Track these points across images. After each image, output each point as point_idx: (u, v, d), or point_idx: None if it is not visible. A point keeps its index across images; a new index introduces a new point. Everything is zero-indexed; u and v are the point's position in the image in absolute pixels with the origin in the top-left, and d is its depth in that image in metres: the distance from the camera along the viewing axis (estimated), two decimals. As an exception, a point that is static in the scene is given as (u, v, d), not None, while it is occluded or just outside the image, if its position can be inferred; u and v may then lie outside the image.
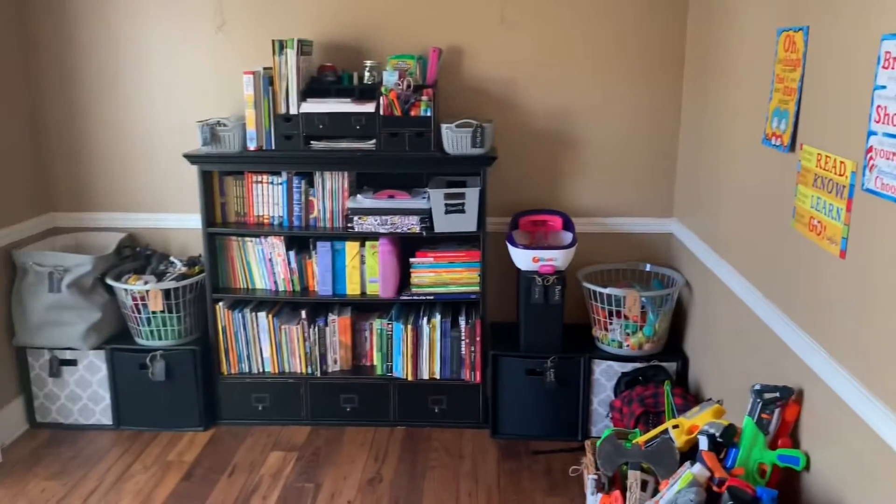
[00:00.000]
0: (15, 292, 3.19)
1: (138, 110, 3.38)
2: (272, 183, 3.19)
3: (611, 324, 3.10)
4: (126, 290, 3.15)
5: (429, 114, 3.02)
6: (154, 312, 3.17)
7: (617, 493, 2.13)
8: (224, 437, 3.24)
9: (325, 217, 3.20)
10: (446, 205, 3.06)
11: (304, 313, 3.26)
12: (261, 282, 3.29)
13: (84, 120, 3.40)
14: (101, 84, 3.36)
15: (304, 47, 3.08)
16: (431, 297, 3.21)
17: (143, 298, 3.14)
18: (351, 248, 3.19)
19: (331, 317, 3.26)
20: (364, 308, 3.39)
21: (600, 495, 2.18)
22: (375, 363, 3.32)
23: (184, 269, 3.28)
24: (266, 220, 3.24)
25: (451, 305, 3.34)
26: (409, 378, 3.26)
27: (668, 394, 2.68)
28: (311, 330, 3.25)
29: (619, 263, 3.39)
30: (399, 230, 3.12)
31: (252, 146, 3.10)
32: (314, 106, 3.05)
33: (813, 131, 1.95)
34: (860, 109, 1.69)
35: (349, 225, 3.12)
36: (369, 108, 3.03)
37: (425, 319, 3.22)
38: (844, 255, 1.76)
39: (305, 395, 3.29)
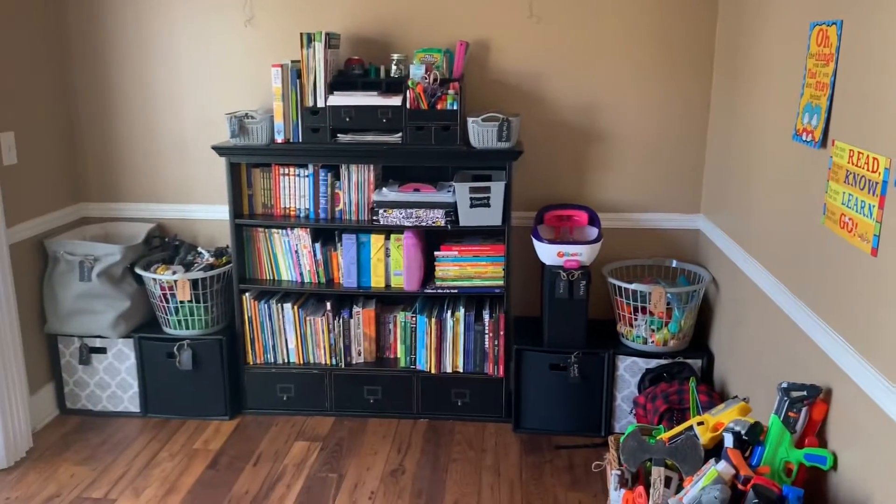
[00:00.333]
0: (46, 281, 3.25)
1: (168, 103, 3.42)
2: (299, 175, 3.21)
3: (636, 320, 3.08)
4: (155, 279, 3.19)
5: (455, 107, 3.03)
6: (182, 302, 3.21)
7: (640, 488, 2.13)
8: (249, 426, 3.28)
9: (350, 210, 3.22)
10: (471, 198, 3.07)
11: (328, 305, 3.28)
12: (287, 273, 3.32)
13: (115, 112, 3.45)
14: (131, 77, 3.40)
15: (331, 40, 3.09)
16: (455, 291, 3.22)
17: (171, 288, 3.19)
18: (376, 240, 3.21)
19: (355, 309, 3.28)
20: (388, 301, 3.41)
21: (623, 491, 2.18)
22: (399, 355, 3.33)
23: (211, 260, 3.31)
24: (292, 213, 3.26)
25: (475, 299, 3.35)
26: (433, 371, 3.27)
27: (694, 391, 2.67)
28: (335, 321, 3.27)
29: (645, 259, 3.37)
30: (424, 223, 3.12)
31: (279, 139, 3.12)
32: (341, 99, 3.06)
33: (845, 127, 1.93)
34: (895, 105, 1.67)
35: (374, 218, 3.14)
36: (396, 101, 3.04)
37: (449, 313, 3.23)
38: (876, 252, 1.74)
39: (329, 386, 3.32)
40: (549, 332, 3.12)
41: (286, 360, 3.35)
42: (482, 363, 3.26)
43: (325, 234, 3.31)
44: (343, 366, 3.31)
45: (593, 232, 3.19)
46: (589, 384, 3.12)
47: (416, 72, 3.05)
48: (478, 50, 3.26)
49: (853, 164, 1.84)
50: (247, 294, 3.29)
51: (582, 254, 3.00)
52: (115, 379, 3.33)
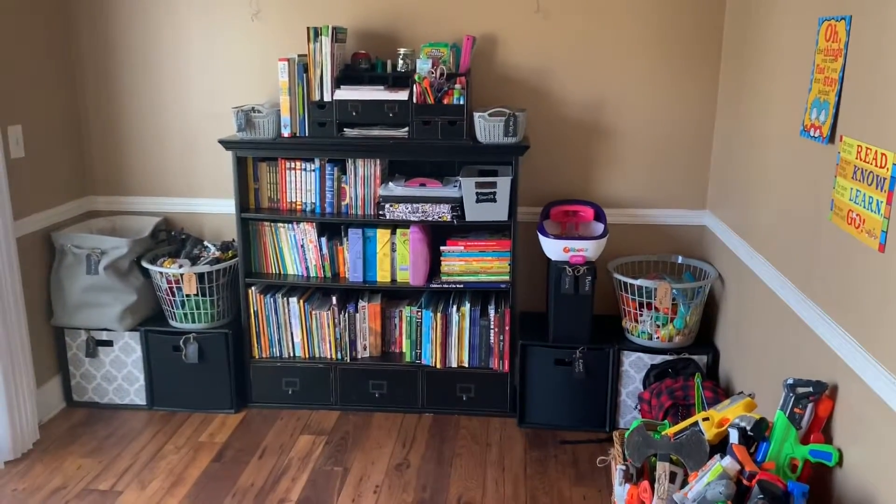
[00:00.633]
0: (53, 274, 3.26)
1: (174, 96, 3.42)
2: (305, 169, 3.22)
3: (641, 315, 3.08)
4: (161, 273, 3.20)
5: (462, 102, 3.02)
6: (188, 296, 3.22)
7: (645, 483, 2.13)
8: (255, 419, 3.29)
9: (356, 204, 3.22)
10: (477, 193, 3.06)
11: (334, 299, 3.29)
12: (293, 267, 3.32)
13: (121, 106, 3.45)
14: (138, 71, 3.41)
15: (338, 35, 3.09)
16: (461, 286, 3.22)
17: (177, 282, 3.20)
18: (382, 235, 3.21)
19: (361, 303, 3.29)
20: (394, 295, 3.41)
21: (628, 486, 2.18)
22: (404, 350, 3.34)
23: (217, 254, 3.32)
24: (298, 207, 3.27)
25: (480, 294, 3.35)
26: (438, 365, 3.27)
27: (699, 386, 2.66)
28: (341, 316, 3.28)
29: (651, 255, 3.36)
30: (430, 218, 3.12)
31: (286, 133, 3.12)
32: (348, 93, 3.06)
33: (854, 123, 1.92)
34: (904, 100, 1.66)
35: (380, 212, 3.14)
36: (402, 95, 3.04)
37: (454, 308, 3.24)
38: (884, 248, 1.73)
39: (335, 381, 3.33)
40: (555, 327, 3.12)
41: (292, 354, 3.35)
42: (487, 358, 3.26)
43: (331, 228, 3.32)
44: (348, 360, 3.32)
45: (599, 227, 3.19)
46: (594, 380, 3.12)
47: (423, 66, 3.05)
48: (485, 44, 3.25)
49: (861, 159, 1.84)
50: (253, 288, 3.30)
51: (588, 249, 3.00)
52: (121, 372, 3.35)
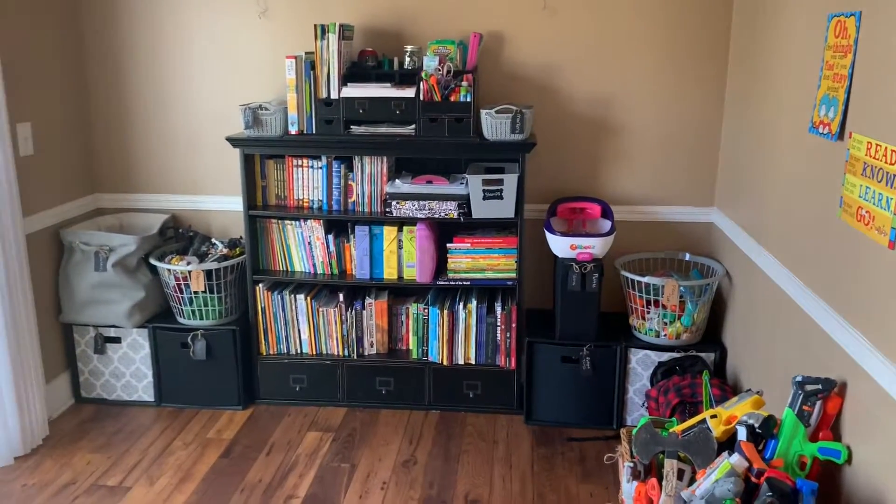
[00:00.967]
0: (62, 271, 3.27)
1: (182, 94, 3.43)
2: (312, 167, 3.22)
3: (648, 313, 3.08)
4: (169, 270, 3.21)
5: (468, 99, 3.02)
6: (196, 292, 3.23)
7: (653, 480, 2.13)
8: (262, 416, 3.30)
9: (363, 201, 3.23)
10: (484, 191, 3.06)
11: (341, 296, 3.30)
12: (300, 264, 3.33)
13: (129, 104, 3.46)
14: (145, 69, 3.42)
15: (345, 32, 3.09)
16: (468, 283, 3.22)
17: (185, 279, 3.21)
18: (389, 232, 3.21)
19: (368, 300, 3.29)
20: (401, 292, 3.42)
21: (636, 483, 2.18)
22: (411, 347, 3.34)
23: (225, 251, 3.33)
24: (306, 204, 3.27)
25: (487, 291, 3.35)
26: (445, 362, 3.28)
27: (707, 384, 2.66)
28: (348, 313, 3.28)
29: (658, 252, 3.36)
30: (437, 215, 3.13)
31: (293, 130, 3.13)
32: (355, 91, 3.07)
33: (863, 119, 1.91)
34: (914, 97, 1.65)
35: (387, 209, 3.15)
36: (409, 93, 3.04)
37: (461, 305, 3.24)
38: (893, 245, 1.73)
39: (342, 377, 3.33)
40: (562, 324, 3.12)
41: (299, 351, 3.36)
42: (494, 355, 3.26)
43: (338, 225, 3.32)
44: (355, 357, 3.32)
45: (606, 225, 3.19)
46: (601, 377, 3.12)
47: (430, 63, 3.05)
48: (491, 42, 3.25)
49: (871, 156, 1.83)
50: (260, 285, 3.30)
51: (595, 246, 2.99)
52: (129, 368, 3.36)
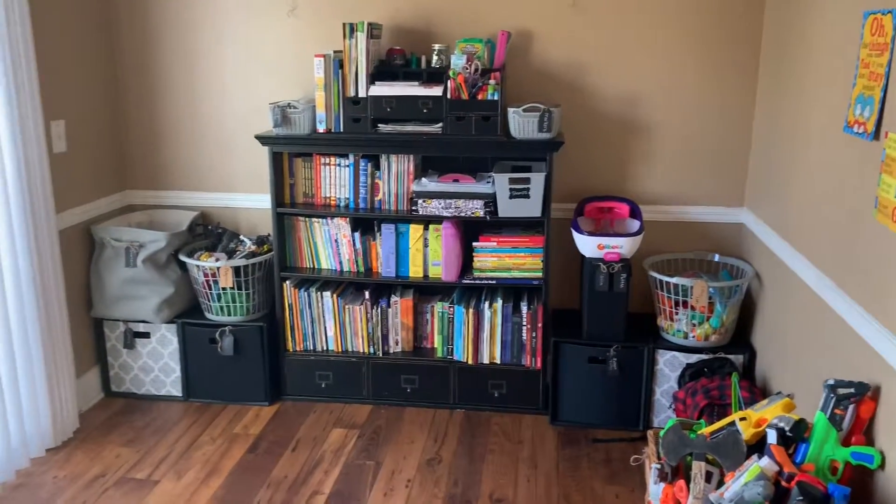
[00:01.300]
0: (93, 266, 3.32)
1: (212, 92, 3.47)
2: (339, 165, 3.24)
3: (677, 314, 3.05)
4: (198, 266, 3.24)
5: (496, 98, 3.01)
6: (224, 289, 3.26)
7: (681, 482, 2.11)
8: (288, 412, 3.32)
9: (389, 199, 3.23)
10: (511, 189, 3.05)
11: (367, 294, 3.31)
12: (326, 262, 3.35)
13: (160, 102, 3.50)
14: (176, 67, 3.46)
15: (373, 31, 3.10)
16: (494, 282, 3.21)
17: (214, 275, 3.24)
18: (415, 230, 3.21)
19: (393, 298, 3.30)
20: (426, 291, 3.42)
21: (664, 485, 2.16)
22: (436, 346, 3.34)
23: (253, 248, 3.36)
24: (333, 202, 3.28)
25: (513, 290, 3.34)
26: (470, 361, 3.27)
27: (736, 386, 2.63)
28: (374, 311, 3.29)
29: (687, 253, 3.32)
30: (463, 214, 3.12)
31: (321, 128, 3.14)
32: (382, 89, 3.07)
33: (900, 118, 1.87)
34: (954, 95, 1.62)
35: (413, 208, 3.15)
36: (437, 91, 3.04)
37: (487, 304, 3.23)
38: (931, 247, 1.69)
39: (367, 375, 3.35)
40: (588, 324, 3.10)
41: (325, 348, 3.38)
42: (519, 355, 3.25)
43: (365, 223, 3.33)
44: (381, 354, 3.33)
45: (634, 224, 3.16)
46: (627, 378, 3.10)
47: (458, 62, 3.04)
48: (519, 40, 3.24)
49: (908, 156, 1.79)
50: (287, 282, 3.33)
51: (622, 246, 2.97)
52: (158, 363, 3.40)
